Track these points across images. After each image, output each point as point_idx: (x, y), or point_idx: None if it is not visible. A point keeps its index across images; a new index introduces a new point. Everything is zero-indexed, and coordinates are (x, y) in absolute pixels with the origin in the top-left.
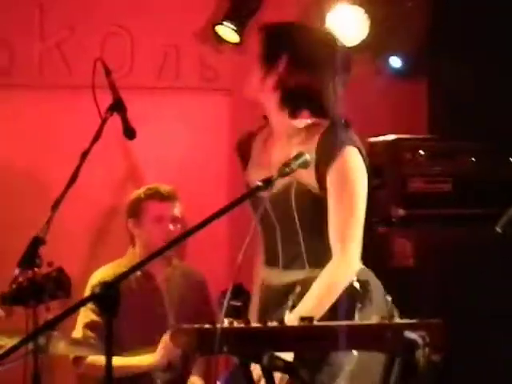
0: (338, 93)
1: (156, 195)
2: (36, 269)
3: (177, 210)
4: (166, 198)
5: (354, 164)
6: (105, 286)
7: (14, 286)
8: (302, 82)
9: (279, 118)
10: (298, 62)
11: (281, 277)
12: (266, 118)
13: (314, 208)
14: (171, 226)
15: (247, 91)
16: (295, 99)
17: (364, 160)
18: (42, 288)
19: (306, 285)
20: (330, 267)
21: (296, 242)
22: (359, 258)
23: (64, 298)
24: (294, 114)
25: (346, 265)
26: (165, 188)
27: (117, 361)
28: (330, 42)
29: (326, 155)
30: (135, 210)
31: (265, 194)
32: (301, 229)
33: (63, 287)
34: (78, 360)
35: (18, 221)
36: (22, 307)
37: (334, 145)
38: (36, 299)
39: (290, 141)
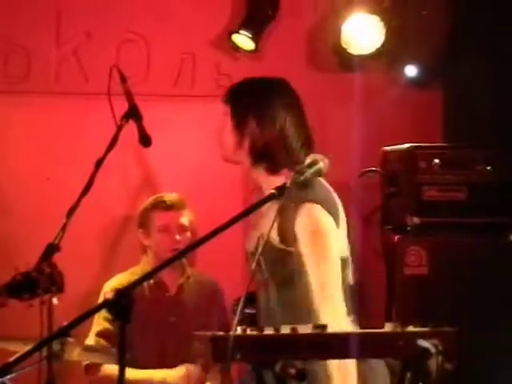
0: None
1: (161, 205)
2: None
3: (184, 219)
4: (171, 207)
5: (316, 223)
6: (118, 293)
7: (9, 280)
8: (272, 137)
9: (263, 178)
10: (264, 120)
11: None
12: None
13: (279, 261)
14: (177, 236)
15: (225, 154)
16: (270, 157)
17: (331, 213)
18: (36, 282)
19: None
20: None
21: (269, 297)
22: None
23: (57, 293)
24: (273, 172)
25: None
26: (170, 197)
27: (133, 374)
28: (286, 89)
29: (286, 213)
30: (143, 221)
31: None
32: (271, 282)
33: (56, 282)
34: (90, 367)
35: (33, 227)
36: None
37: (293, 202)
38: (30, 293)
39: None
